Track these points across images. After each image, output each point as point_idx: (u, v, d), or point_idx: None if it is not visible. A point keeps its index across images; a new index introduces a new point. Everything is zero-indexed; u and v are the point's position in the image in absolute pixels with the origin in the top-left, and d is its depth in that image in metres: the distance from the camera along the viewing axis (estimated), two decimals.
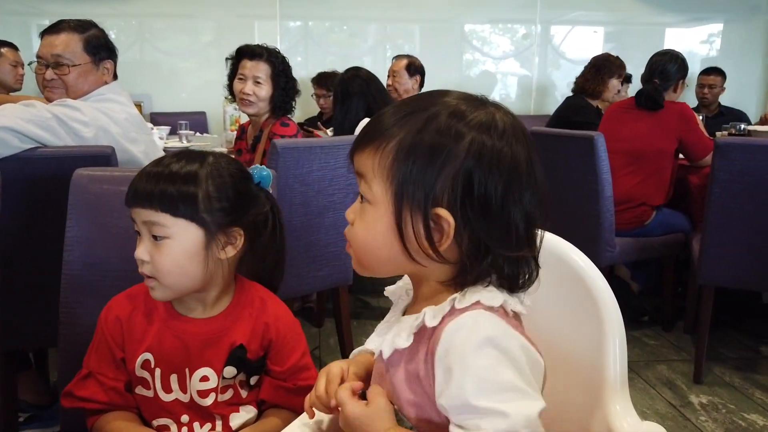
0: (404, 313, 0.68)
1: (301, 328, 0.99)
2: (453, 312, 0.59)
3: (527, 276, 0.62)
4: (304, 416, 0.78)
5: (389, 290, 0.73)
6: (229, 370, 0.92)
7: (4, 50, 3.43)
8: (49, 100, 1.78)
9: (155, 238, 0.87)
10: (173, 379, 0.92)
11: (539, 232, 0.62)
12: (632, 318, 2.87)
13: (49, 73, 1.75)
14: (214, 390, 0.93)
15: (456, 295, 0.60)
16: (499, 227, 0.58)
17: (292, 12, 4.54)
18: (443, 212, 0.57)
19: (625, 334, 0.74)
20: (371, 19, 4.70)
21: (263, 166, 0.98)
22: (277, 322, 0.95)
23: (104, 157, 1.45)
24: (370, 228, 0.62)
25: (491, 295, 0.59)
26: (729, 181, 2.09)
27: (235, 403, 0.95)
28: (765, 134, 2.86)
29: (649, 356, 2.52)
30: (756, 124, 3.76)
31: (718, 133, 3.22)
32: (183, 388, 0.92)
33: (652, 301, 2.98)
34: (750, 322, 2.87)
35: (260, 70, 2.27)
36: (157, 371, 0.92)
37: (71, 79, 1.74)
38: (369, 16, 4.68)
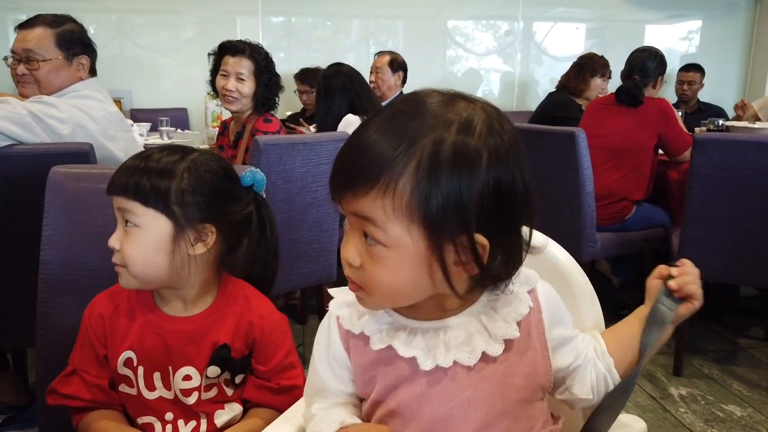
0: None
1: (287, 326, 0.98)
2: (534, 289, 0.65)
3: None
4: (287, 414, 0.78)
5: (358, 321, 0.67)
6: (213, 370, 0.92)
7: None
8: (22, 95, 1.76)
9: (128, 224, 0.88)
10: (156, 377, 0.92)
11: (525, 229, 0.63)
12: (613, 312, 2.89)
13: (21, 68, 1.73)
14: (197, 389, 0.92)
15: (515, 281, 0.64)
16: (514, 236, 0.60)
17: (275, 8, 4.51)
18: (481, 239, 0.56)
19: (604, 328, 0.74)
20: (355, 15, 4.69)
21: (257, 170, 0.97)
22: (261, 320, 0.94)
23: (82, 154, 1.43)
24: (396, 272, 0.58)
25: (529, 269, 0.66)
26: (707, 176, 2.12)
27: (220, 401, 0.94)
28: (743, 130, 2.90)
29: None
30: (733, 118, 3.82)
31: (697, 129, 3.26)
32: (167, 385, 0.92)
33: (633, 294, 3.02)
34: (729, 315, 2.92)
35: (243, 66, 2.25)
36: (140, 369, 0.91)
37: (42, 74, 1.72)
38: (352, 12, 4.67)
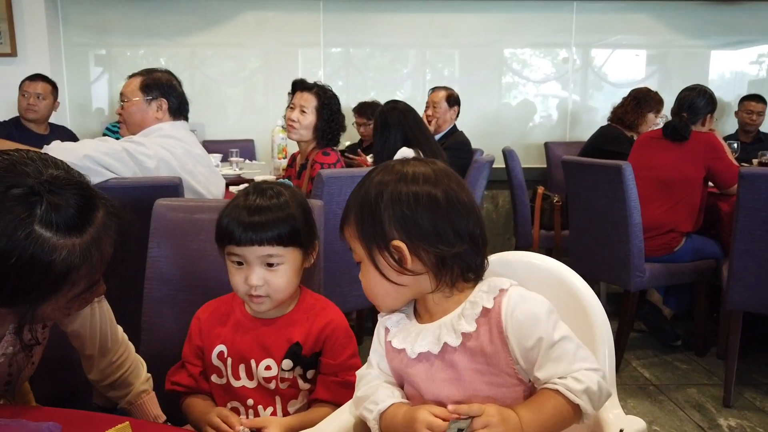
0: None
1: (352, 333, 1.15)
2: (502, 293, 0.81)
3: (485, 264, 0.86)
4: (344, 407, 0.92)
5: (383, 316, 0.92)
6: (287, 363, 1.09)
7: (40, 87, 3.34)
8: (121, 134, 2.06)
9: (269, 265, 1.05)
10: (242, 368, 1.10)
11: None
12: (665, 342, 2.91)
13: (118, 110, 2.03)
14: (275, 378, 1.10)
15: (482, 286, 0.82)
16: (435, 239, 0.81)
17: (334, 39, 4.65)
18: (397, 243, 0.81)
19: (613, 343, 0.87)
20: (411, 45, 4.76)
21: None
22: (333, 323, 1.12)
23: (173, 186, 1.65)
24: (368, 280, 0.85)
25: (504, 279, 0.83)
26: (754, 209, 2.16)
27: (294, 389, 1.11)
28: None
29: (680, 380, 2.57)
30: None
31: (755, 161, 3.24)
32: (249, 376, 1.10)
33: (686, 326, 3.02)
34: None
35: (307, 100, 2.49)
36: (229, 360, 1.11)
37: (126, 113, 2.02)
38: (409, 42, 4.74)
